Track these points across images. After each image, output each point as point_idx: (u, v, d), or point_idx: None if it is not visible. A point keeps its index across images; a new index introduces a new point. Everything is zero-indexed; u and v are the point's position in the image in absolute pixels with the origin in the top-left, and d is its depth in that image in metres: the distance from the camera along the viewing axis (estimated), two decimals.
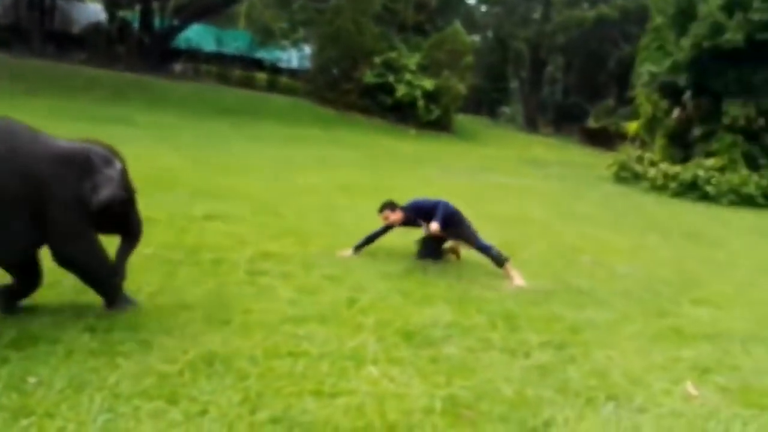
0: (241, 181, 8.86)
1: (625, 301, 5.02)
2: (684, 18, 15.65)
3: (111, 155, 3.54)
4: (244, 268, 4.83)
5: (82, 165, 3.38)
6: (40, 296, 3.71)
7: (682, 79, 15.34)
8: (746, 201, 13.96)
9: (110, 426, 2.48)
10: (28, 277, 3.59)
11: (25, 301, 3.61)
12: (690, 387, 3.36)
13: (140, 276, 4.24)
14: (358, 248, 5.65)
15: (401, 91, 25.42)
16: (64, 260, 3.47)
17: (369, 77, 25.44)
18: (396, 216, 5.62)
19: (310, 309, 4.03)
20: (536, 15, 40.78)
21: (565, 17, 34.62)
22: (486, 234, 7.13)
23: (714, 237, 8.89)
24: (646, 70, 16.63)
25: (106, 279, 3.61)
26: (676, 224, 9.59)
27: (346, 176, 11.00)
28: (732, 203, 13.90)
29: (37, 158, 3.23)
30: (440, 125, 26.08)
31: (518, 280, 5.26)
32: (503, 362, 3.48)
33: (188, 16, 28.98)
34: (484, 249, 5.51)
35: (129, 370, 2.91)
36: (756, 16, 13.85)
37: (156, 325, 3.50)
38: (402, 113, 26.15)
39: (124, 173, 3.54)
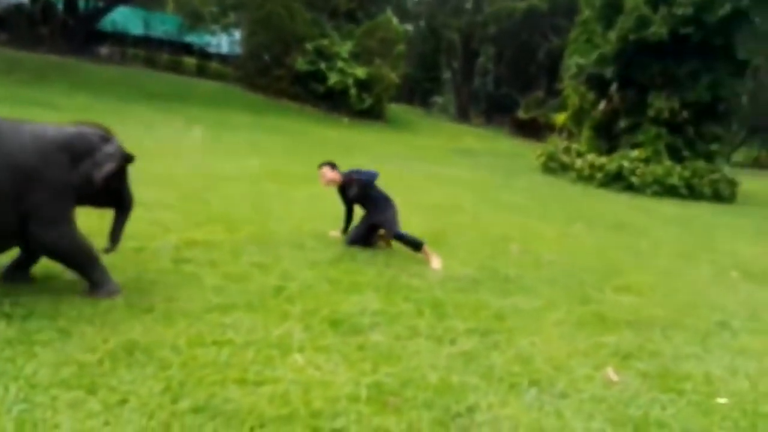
0: (167, 167, 8.55)
1: (551, 289, 5.16)
2: (611, 11, 16.18)
3: (106, 133, 3.72)
4: (169, 255, 4.67)
5: (77, 148, 3.52)
6: None
7: (608, 72, 15.88)
8: (670, 191, 14.63)
9: (26, 416, 2.39)
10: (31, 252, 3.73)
11: None
12: (611, 372, 3.48)
13: (58, 266, 4.03)
14: (345, 230, 5.96)
15: (333, 78, 25.21)
16: (46, 247, 3.54)
17: (301, 64, 25.09)
18: (333, 175, 5.71)
19: (236, 297, 3.95)
20: (468, 5, 41.31)
21: (497, 8, 35.27)
22: (416, 222, 7.23)
23: (638, 226, 9.31)
24: (574, 62, 17.10)
25: (89, 263, 3.67)
26: (601, 214, 9.99)
27: (275, 163, 10.83)
28: (656, 194, 14.54)
29: (22, 148, 3.30)
30: (373, 114, 26.10)
31: (436, 262, 5.42)
32: (429, 349, 3.52)
33: None
34: (399, 237, 5.66)
35: (47, 359, 2.82)
36: (679, 11, 14.46)
37: (75, 313, 3.36)
38: (334, 101, 25.96)
39: (120, 149, 3.69)
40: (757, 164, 33.78)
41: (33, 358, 2.83)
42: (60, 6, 27.22)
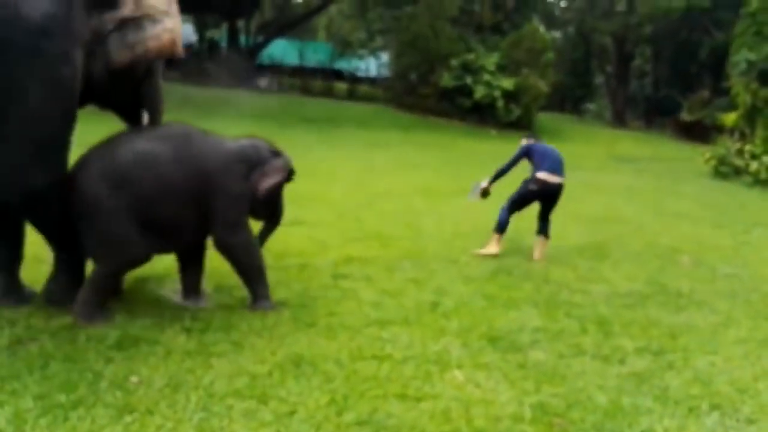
0: (323, 186, 9.02)
1: (729, 304, 4.68)
2: None
3: (275, 148, 4.05)
4: (329, 271, 4.89)
5: (252, 158, 3.86)
6: (140, 301, 3.92)
7: None
8: None
9: (205, 424, 2.57)
10: (197, 262, 4.06)
11: (127, 306, 3.81)
12: None
13: (230, 279, 4.39)
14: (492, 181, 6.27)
15: (480, 92, 25.09)
16: (226, 249, 3.86)
17: (446, 80, 25.30)
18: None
19: (393, 312, 4.02)
20: (620, 7, 39.19)
21: (651, 7, 32.96)
22: (575, 234, 6.93)
23: None
24: (742, 57, 15.52)
25: (258, 273, 3.95)
26: None
27: (425, 179, 10.95)
28: None
29: (208, 157, 3.71)
30: (521, 125, 25.50)
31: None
32: (596, 369, 3.33)
33: (271, 32, 30.12)
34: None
35: (222, 370, 3.02)
36: None
37: (247, 326, 3.60)
38: (481, 115, 25.81)
39: (287, 163, 4.00)
40: None
41: (210, 369, 3.02)
42: (224, 43, 30.00)
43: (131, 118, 4.19)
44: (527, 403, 2.86)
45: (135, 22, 3.66)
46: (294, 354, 3.25)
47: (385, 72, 32.13)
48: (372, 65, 34.35)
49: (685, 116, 31.65)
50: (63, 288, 3.69)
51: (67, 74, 3.39)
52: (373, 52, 32.41)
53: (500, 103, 25.12)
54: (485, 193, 6.26)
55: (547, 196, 5.93)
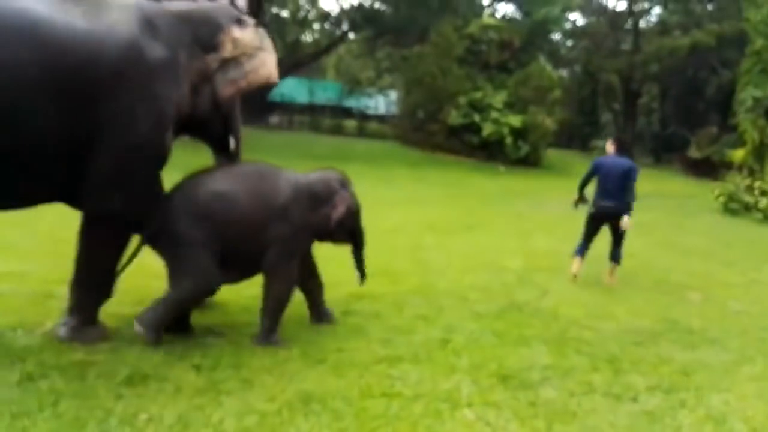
0: None
1: (742, 341, 4.64)
2: None
3: (344, 179, 4.43)
4: (337, 308, 4.89)
5: (321, 193, 4.22)
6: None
7: None
8: None
9: None
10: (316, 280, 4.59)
11: (137, 341, 3.82)
12: None
13: (242, 317, 4.42)
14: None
15: (488, 129, 25.36)
16: (273, 274, 4.09)
17: (454, 118, 25.63)
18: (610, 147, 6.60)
19: (402, 349, 4.01)
20: (625, 46, 39.76)
21: (657, 46, 33.43)
22: (584, 270, 6.88)
23: None
24: (749, 94, 15.70)
25: (282, 307, 4.14)
26: None
27: (434, 214, 10.99)
28: None
29: (279, 192, 4.07)
30: (530, 161, 25.70)
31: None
32: (607, 407, 3.30)
33: (282, 70, 30.64)
34: None
35: (232, 408, 3.01)
36: None
37: (256, 363, 3.60)
38: (490, 151, 26.02)
39: (353, 193, 4.42)
40: None
41: (219, 406, 3.01)
42: None
43: (221, 145, 4.61)
44: None
45: (235, 60, 4.19)
46: (303, 391, 3.24)
47: (394, 109, 32.55)
48: (381, 103, 34.84)
49: (693, 153, 31.70)
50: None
51: (169, 112, 3.83)
52: (382, 90, 32.92)
53: (509, 140, 25.35)
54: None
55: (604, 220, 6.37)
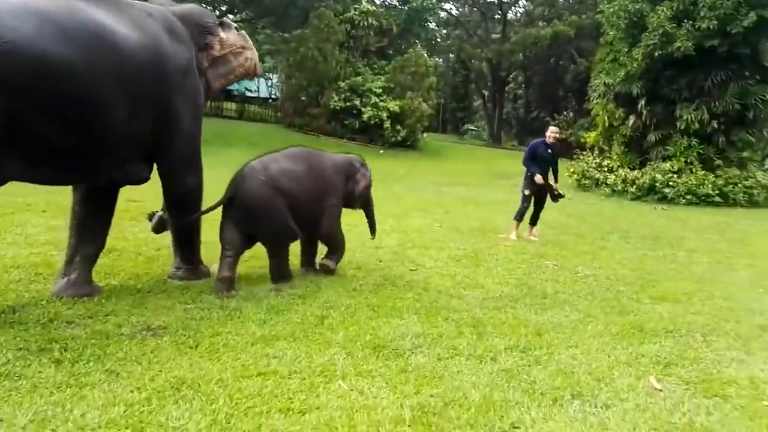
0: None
1: (588, 302, 5.13)
2: (635, 30, 16.16)
3: (362, 160, 5.86)
4: (214, 294, 4.82)
5: (349, 170, 5.64)
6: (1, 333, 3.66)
7: (635, 89, 15.79)
8: (703, 201, 14.38)
9: None
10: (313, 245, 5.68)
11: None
12: (653, 381, 3.44)
13: (107, 307, 4.22)
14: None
15: (368, 113, 25.75)
16: (328, 235, 5.51)
17: (336, 102, 25.74)
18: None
19: (279, 328, 4.04)
20: (495, 35, 41.70)
21: (522, 36, 35.45)
22: (455, 245, 7.27)
23: (673, 237, 9.09)
24: (601, 81, 17.09)
25: (342, 246, 5.65)
26: (636, 226, 9.81)
27: None
28: (690, 203, 14.29)
29: (326, 169, 5.39)
30: (407, 144, 26.44)
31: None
32: (471, 368, 3.54)
33: None
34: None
35: (96, 401, 2.88)
36: (704, 24, 14.39)
37: (124, 353, 3.47)
38: (370, 135, 26.47)
39: (369, 171, 5.81)
40: None
41: (82, 400, 2.87)
42: None
43: None
44: (407, 405, 2.99)
45: (223, 57, 5.12)
46: (175, 378, 3.17)
47: (276, 92, 31.95)
48: (263, 86, 34.06)
49: None
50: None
51: (201, 102, 4.86)
52: (263, 73, 32.15)
53: (387, 124, 25.92)
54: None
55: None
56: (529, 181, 8.11)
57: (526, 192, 8.16)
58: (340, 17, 26.58)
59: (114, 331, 3.82)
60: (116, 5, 4.18)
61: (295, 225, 5.02)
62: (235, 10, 29.41)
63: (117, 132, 4.11)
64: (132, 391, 3.01)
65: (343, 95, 25.97)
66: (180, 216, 4.96)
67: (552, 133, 8.32)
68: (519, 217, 8.18)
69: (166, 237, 6.66)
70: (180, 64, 4.50)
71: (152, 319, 4.08)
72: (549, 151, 8.25)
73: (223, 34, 5.06)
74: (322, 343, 3.81)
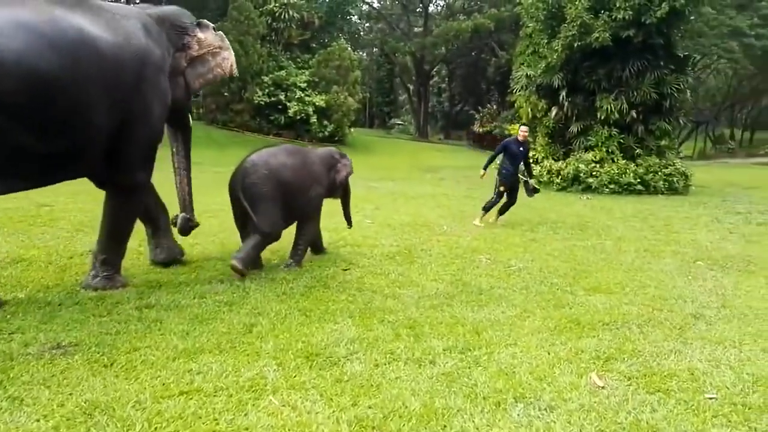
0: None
1: (524, 296, 5.10)
2: (554, 22, 16.52)
3: (341, 152, 6.32)
4: (131, 302, 4.46)
5: (331, 161, 6.08)
6: None
7: (556, 80, 16.14)
8: (626, 189, 14.92)
9: None
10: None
11: None
12: (595, 378, 3.40)
13: (13, 323, 3.82)
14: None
15: (293, 108, 25.31)
16: (305, 225, 5.89)
17: (259, 97, 25.12)
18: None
19: (204, 340, 3.76)
20: (418, 29, 42.01)
21: (444, 29, 35.85)
22: (385, 241, 7.13)
23: (600, 226, 9.33)
24: (522, 74, 17.37)
25: (312, 240, 6.10)
26: (564, 216, 10.02)
27: None
28: (613, 192, 14.79)
29: (313, 163, 5.86)
30: (335, 140, 26.19)
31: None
32: (409, 374, 3.38)
33: None
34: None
35: None
36: (620, 15, 14.81)
37: (30, 376, 3.13)
38: (296, 130, 26.05)
39: (349, 162, 6.27)
40: (703, 156, 34.77)
41: None
42: None
43: (181, 125, 5.64)
44: (344, 420, 2.80)
45: (201, 57, 5.32)
46: (86, 402, 2.86)
47: None
48: None
49: (478, 128, 34.85)
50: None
51: (168, 102, 4.92)
52: None
53: (314, 119, 25.59)
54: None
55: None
56: (503, 177, 8.84)
57: (501, 188, 8.85)
58: (260, 9, 25.94)
59: (19, 351, 3.45)
60: (91, 8, 4.32)
61: (287, 214, 5.52)
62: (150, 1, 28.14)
63: (98, 133, 4.32)
64: (38, 420, 2.70)
65: (267, 90, 25.41)
66: (119, 211, 4.92)
67: (523, 131, 9.07)
68: (487, 209, 8.97)
69: (80, 244, 6.24)
70: (154, 63, 4.66)
71: (63, 335, 3.72)
72: (521, 148, 8.91)
73: (200, 35, 5.25)
74: (250, 354, 3.55)
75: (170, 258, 5.57)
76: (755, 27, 31.57)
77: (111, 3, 4.74)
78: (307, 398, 3.02)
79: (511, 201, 9.08)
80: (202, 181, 13.09)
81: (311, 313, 4.36)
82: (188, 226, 5.82)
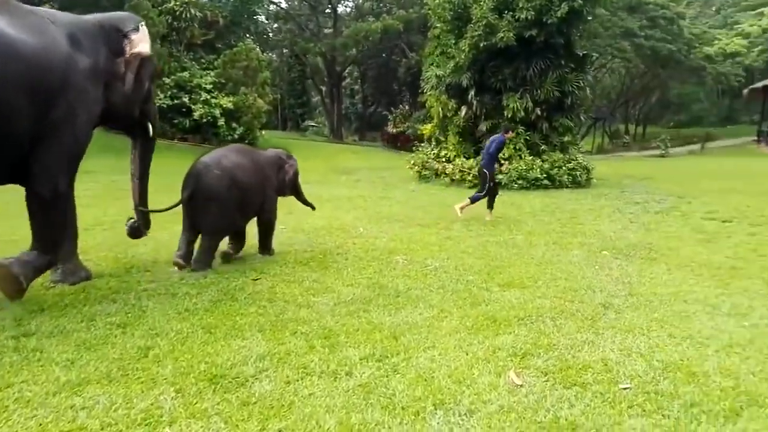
0: (12, 223, 7.53)
1: (441, 296, 4.98)
2: (461, 23, 16.76)
3: (289, 152, 6.73)
4: (8, 332, 3.95)
5: (278, 162, 6.44)
6: None
7: (465, 80, 16.39)
8: (533, 184, 15.35)
9: None
10: (241, 239, 6.29)
11: None
12: (513, 376, 3.32)
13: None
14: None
15: (199, 111, 24.34)
16: (265, 223, 6.33)
17: (162, 100, 23.97)
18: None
19: (91, 369, 3.36)
20: (328, 29, 41.74)
21: (354, 30, 35.78)
22: (300, 246, 6.86)
23: (510, 220, 9.46)
24: (432, 74, 17.52)
25: (272, 231, 6.46)
26: (476, 213, 10.09)
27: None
28: (522, 188, 15.18)
29: (265, 164, 6.20)
30: (245, 143, 25.43)
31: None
32: (324, 388, 3.15)
33: None
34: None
35: None
36: (522, 15, 15.22)
37: None
38: (203, 133, 25.07)
39: (296, 161, 6.67)
40: (601, 150, 36.67)
41: None
42: None
43: (138, 132, 5.78)
44: None
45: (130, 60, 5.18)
46: None
47: None
48: None
49: (391, 129, 35.06)
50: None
51: (96, 110, 4.92)
52: None
53: (221, 122, 24.73)
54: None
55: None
56: (492, 171, 9.54)
57: (491, 183, 9.50)
58: (160, 8, 24.79)
59: None
60: (17, 12, 4.30)
61: (241, 215, 5.85)
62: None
63: (18, 138, 4.31)
64: None
65: (169, 92, 24.29)
66: (43, 220, 4.78)
67: (508, 133, 10.20)
68: (490, 206, 9.72)
69: None
70: (81, 69, 4.64)
71: None
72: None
73: (133, 36, 5.20)
74: (145, 382, 3.20)
75: (71, 281, 5.22)
76: (644, 28, 33.69)
77: (42, 8, 4.77)
78: (210, 427, 2.73)
79: (496, 192, 9.98)
80: (95, 192, 12.30)
81: (216, 330, 4.03)
82: (137, 231, 5.88)
